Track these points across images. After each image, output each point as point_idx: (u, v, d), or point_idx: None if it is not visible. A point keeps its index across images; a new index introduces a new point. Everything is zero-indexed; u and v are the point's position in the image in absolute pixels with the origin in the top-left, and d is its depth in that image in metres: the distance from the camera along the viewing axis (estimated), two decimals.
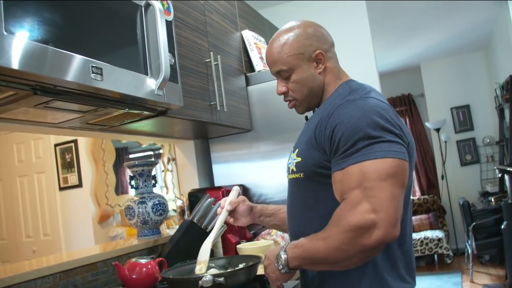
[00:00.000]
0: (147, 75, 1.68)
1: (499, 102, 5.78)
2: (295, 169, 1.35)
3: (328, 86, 1.41)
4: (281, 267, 1.27)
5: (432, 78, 7.29)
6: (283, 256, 1.26)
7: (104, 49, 1.51)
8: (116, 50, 1.57)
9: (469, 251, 5.39)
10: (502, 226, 4.36)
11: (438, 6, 4.82)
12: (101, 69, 1.44)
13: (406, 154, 1.21)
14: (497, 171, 5.08)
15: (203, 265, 1.58)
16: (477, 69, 7.07)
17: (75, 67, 1.35)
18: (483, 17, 5.31)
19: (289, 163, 1.40)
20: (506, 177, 4.31)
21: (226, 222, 1.66)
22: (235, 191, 1.68)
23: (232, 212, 1.64)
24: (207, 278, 1.31)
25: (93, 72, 1.40)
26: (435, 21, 5.33)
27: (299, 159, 1.34)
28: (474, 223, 5.12)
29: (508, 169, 4.29)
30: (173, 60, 1.83)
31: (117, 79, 1.51)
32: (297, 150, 1.36)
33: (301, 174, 1.34)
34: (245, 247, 2.23)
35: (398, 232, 1.14)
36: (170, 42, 1.82)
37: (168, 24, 1.83)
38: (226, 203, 1.63)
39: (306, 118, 1.52)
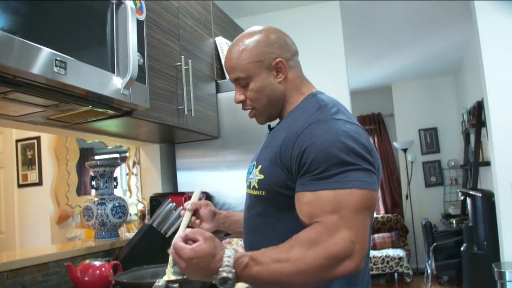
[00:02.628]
0: (114, 73, 1.64)
1: (465, 127, 5.91)
2: (256, 186, 1.27)
3: (290, 97, 1.34)
4: (229, 285, 1.07)
5: (402, 99, 7.42)
6: (231, 276, 1.06)
7: (71, 44, 1.47)
8: (83, 46, 1.54)
9: (429, 271, 5.46)
10: (462, 248, 4.43)
11: (413, 28, 4.92)
12: (65, 63, 1.40)
13: (377, 184, 1.19)
14: (460, 193, 5.18)
15: (169, 269, 1.55)
16: (446, 93, 7.22)
17: (37, 59, 1.30)
18: (455, 42, 5.44)
19: (251, 178, 1.31)
20: (468, 200, 4.39)
21: (192, 224, 1.62)
22: (196, 192, 1.62)
23: (196, 214, 1.58)
24: (159, 284, 1.28)
25: (56, 66, 1.36)
26: (409, 43, 5.43)
27: (261, 176, 1.26)
28: (435, 244, 5.19)
29: (471, 192, 4.37)
30: (142, 60, 1.80)
31: (81, 75, 1.47)
32: (260, 166, 1.28)
33: (263, 192, 1.26)
34: None
35: (363, 265, 1.11)
36: (140, 42, 1.79)
37: (140, 23, 1.80)
38: (188, 204, 1.57)
39: (269, 127, 1.45)
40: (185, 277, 1.50)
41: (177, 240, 1.20)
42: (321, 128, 1.17)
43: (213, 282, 1.08)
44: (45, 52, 1.33)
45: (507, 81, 3.49)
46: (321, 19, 4.07)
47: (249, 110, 1.38)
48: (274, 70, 1.32)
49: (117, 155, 4.92)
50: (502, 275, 3.23)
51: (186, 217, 1.55)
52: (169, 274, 1.46)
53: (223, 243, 2.45)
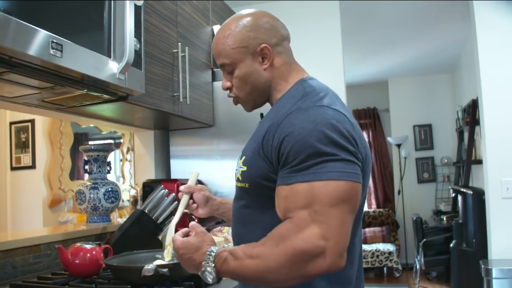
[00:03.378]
0: (110, 57, 1.64)
1: (459, 125, 5.93)
2: (240, 178, 1.23)
3: (277, 85, 1.28)
4: (209, 281, 1.13)
5: (398, 95, 7.43)
6: (210, 270, 1.12)
7: (67, 27, 1.46)
8: (80, 29, 1.53)
9: (418, 266, 5.50)
10: (451, 245, 4.47)
11: (411, 25, 4.92)
12: (61, 45, 1.40)
13: (359, 175, 1.10)
14: (451, 190, 5.22)
15: (170, 247, 1.54)
16: (442, 91, 7.24)
17: (34, 40, 1.30)
18: (452, 40, 5.45)
19: (236, 170, 1.27)
20: (459, 197, 4.42)
21: (189, 208, 1.62)
22: (193, 175, 1.62)
23: (192, 198, 1.59)
24: (149, 267, 1.29)
25: (52, 48, 1.36)
26: (406, 40, 5.43)
27: (244, 168, 1.21)
28: (424, 240, 5.23)
29: (462, 189, 4.40)
30: (138, 46, 1.80)
31: (77, 58, 1.47)
32: (243, 157, 1.23)
33: (246, 184, 1.21)
34: None
35: (344, 262, 1.04)
36: (138, 27, 1.79)
37: (137, 9, 1.80)
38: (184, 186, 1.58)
39: (262, 115, 1.40)
40: (175, 261, 1.52)
41: (172, 224, 1.36)
42: (300, 117, 1.11)
43: (205, 281, 1.12)
44: (42, 34, 1.33)
45: (502, 80, 3.50)
46: (320, 11, 4.06)
47: (233, 97, 1.35)
48: (259, 57, 1.25)
49: (111, 141, 4.91)
50: (488, 272, 3.26)
51: (184, 200, 1.57)
52: (169, 255, 1.48)
53: (213, 231, 2.47)
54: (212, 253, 1.12)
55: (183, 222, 2.43)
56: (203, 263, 1.12)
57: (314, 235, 1.01)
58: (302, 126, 1.08)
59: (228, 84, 1.32)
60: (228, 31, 1.27)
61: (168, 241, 1.58)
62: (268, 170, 1.15)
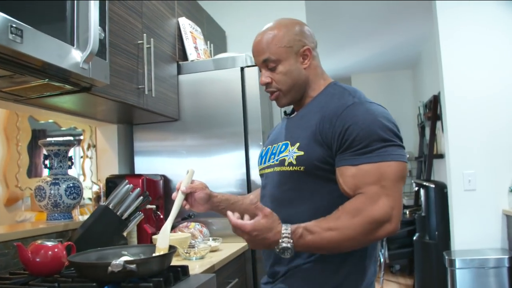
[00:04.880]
0: (73, 46, 1.56)
1: (421, 120, 6.04)
2: (295, 162, 1.38)
3: (312, 83, 1.49)
4: (286, 255, 1.25)
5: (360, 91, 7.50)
6: (289, 245, 1.24)
7: (27, 11, 1.38)
8: (41, 14, 1.45)
9: (382, 260, 5.58)
10: (414, 238, 4.54)
11: (373, 21, 4.97)
12: (21, 30, 1.32)
13: (406, 157, 1.34)
14: (414, 184, 5.31)
15: (163, 252, 1.52)
16: (404, 86, 7.36)
17: None
18: (414, 36, 5.54)
19: (285, 156, 1.41)
20: (422, 191, 4.50)
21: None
22: (190, 173, 1.63)
23: (188, 196, 1.60)
24: (116, 262, 1.23)
25: (11, 33, 1.28)
26: (369, 36, 5.49)
27: (301, 152, 1.37)
28: None
29: (424, 183, 4.48)
30: (103, 35, 1.73)
31: (39, 45, 1.39)
32: (297, 144, 1.39)
33: (302, 168, 1.37)
34: None
35: (400, 225, 1.28)
36: (102, 16, 1.72)
37: None
38: (181, 185, 1.58)
39: (285, 113, 1.60)
40: (143, 257, 1.46)
41: (167, 227, 1.54)
42: (360, 109, 1.33)
43: (276, 250, 1.25)
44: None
45: (464, 75, 3.57)
46: (286, 9, 4.03)
47: (272, 92, 1.49)
48: (301, 57, 1.45)
49: (71, 138, 4.76)
50: (452, 262, 3.33)
51: (179, 199, 1.57)
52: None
53: (180, 227, 2.42)
54: (287, 231, 1.25)
55: (149, 218, 2.37)
56: (280, 240, 1.25)
57: (386, 205, 1.23)
58: (364, 117, 1.31)
59: (268, 79, 1.47)
60: (274, 32, 1.45)
61: (163, 245, 1.53)
62: (325, 154, 1.34)
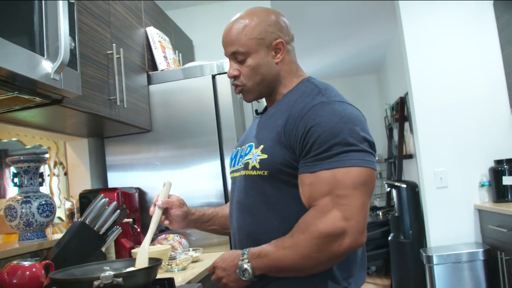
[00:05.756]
0: (43, 56, 1.51)
1: (388, 122, 6.14)
2: (258, 166, 1.28)
3: (284, 79, 1.37)
4: (246, 277, 1.22)
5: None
6: (247, 266, 1.21)
7: None
8: (9, 25, 1.39)
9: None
10: (389, 238, 4.59)
11: (338, 27, 5.05)
12: None
13: (375, 164, 1.23)
14: (386, 185, 5.38)
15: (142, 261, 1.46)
16: (369, 90, 7.48)
17: None
18: (378, 41, 5.64)
19: (249, 159, 1.31)
20: (394, 191, 4.55)
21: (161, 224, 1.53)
22: (166, 186, 1.54)
23: (165, 211, 1.52)
24: (106, 274, 1.19)
25: None
26: (334, 41, 5.57)
27: (264, 156, 1.27)
28: None
29: (396, 184, 4.54)
30: (73, 45, 1.68)
31: (6, 55, 1.33)
32: (261, 146, 1.29)
33: (265, 172, 1.27)
34: None
35: (365, 239, 1.16)
36: (71, 25, 1.66)
37: (71, 5, 1.68)
38: (158, 200, 1.50)
39: (257, 112, 1.49)
40: (130, 270, 1.42)
41: (145, 245, 1.45)
42: (325, 110, 1.21)
43: (242, 278, 1.22)
44: None
45: (430, 76, 3.65)
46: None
47: (237, 86, 1.38)
48: (273, 50, 1.34)
49: (40, 155, 4.62)
50: (430, 259, 3.37)
51: (156, 215, 1.49)
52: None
53: (158, 239, 2.37)
54: (245, 252, 1.22)
55: (126, 232, 2.31)
56: (239, 262, 1.22)
57: (335, 218, 1.12)
58: (328, 118, 1.19)
59: (236, 72, 1.36)
60: (245, 22, 1.34)
61: (142, 264, 1.46)
62: (289, 157, 1.23)
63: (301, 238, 1.15)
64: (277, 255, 1.18)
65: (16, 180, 2.14)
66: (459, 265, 3.33)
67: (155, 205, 1.50)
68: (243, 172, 1.34)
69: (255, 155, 1.29)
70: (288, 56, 1.38)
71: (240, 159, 1.38)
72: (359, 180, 1.14)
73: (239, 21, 1.36)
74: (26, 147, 4.59)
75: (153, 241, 2.39)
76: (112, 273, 1.23)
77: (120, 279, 1.27)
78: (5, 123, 2.01)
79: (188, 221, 1.54)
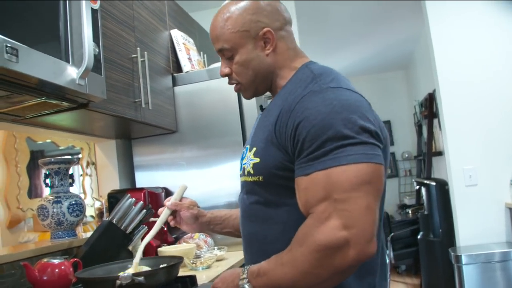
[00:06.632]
0: (69, 62, 1.57)
1: (417, 119, 6.06)
2: (252, 172, 1.15)
3: (280, 70, 1.22)
4: None
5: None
6: (247, 287, 1.07)
7: (21, 31, 1.39)
8: (35, 33, 1.46)
9: (387, 261, 5.56)
10: (418, 237, 4.54)
11: (364, 24, 5.01)
12: (16, 50, 1.32)
13: (381, 157, 1.03)
14: (415, 183, 5.33)
15: (134, 266, 1.47)
16: (398, 87, 7.40)
17: None
18: (405, 37, 5.58)
19: (245, 164, 1.20)
20: (423, 189, 4.50)
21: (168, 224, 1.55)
22: (180, 189, 1.51)
23: (175, 213, 1.51)
24: (125, 274, 1.23)
25: (7, 53, 1.29)
26: (361, 38, 5.53)
27: (257, 159, 1.14)
28: (392, 234, 5.30)
29: (425, 181, 4.48)
30: (97, 50, 1.74)
31: (34, 63, 1.40)
32: (254, 149, 1.16)
33: (260, 178, 1.14)
34: (166, 250, 2.16)
35: (375, 248, 0.98)
36: (95, 31, 1.72)
37: (94, 12, 1.73)
38: (170, 201, 1.49)
39: (261, 107, 1.34)
40: (150, 269, 1.46)
41: (146, 239, 1.38)
42: (314, 100, 1.04)
43: None
44: None
45: (457, 72, 3.60)
46: None
47: (234, 84, 1.28)
48: (261, 41, 1.19)
49: (70, 157, 4.76)
50: (458, 258, 3.33)
51: (164, 215, 1.49)
52: (135, 267, 1.42)
53: (184, 238, 2.42)
54: (245, 272, 1.09)
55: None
56: (239, 283, 1.08)
57: (335, 226, 0.95)
58: (318, 109, 1.02)
59: (227, 70, 1.25)
60: (228, 13, 1.20)
61: (135, 260, 1.49)
62: (283, 159, 1.09)
63: (299, 252, 0.99)
64: (276, 273, 1.03)
65: (47, 181, 2.23)
66: (490, 265, 3.27)
67: (165, 205, 1.49)
68: (242, 178, 1.24)
69: (249, 159, 1.17)
70: (282, 43, 1.21)
71: (241, 162, 1.26)
72: (360, 179, 0.97)
73: (221, 14, 1.22)
74: (60, 147, 4.74)
75: (178, 240, 2.45)
76: (131, 273, 1.27)
77: (141, 278, 1.31)
78: (37, 126, 2.09)
79: (200, 223, 1.50)
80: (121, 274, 1.24)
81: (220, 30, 1.21)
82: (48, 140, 4.52)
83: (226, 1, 1.24)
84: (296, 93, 1.11)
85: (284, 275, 1.01)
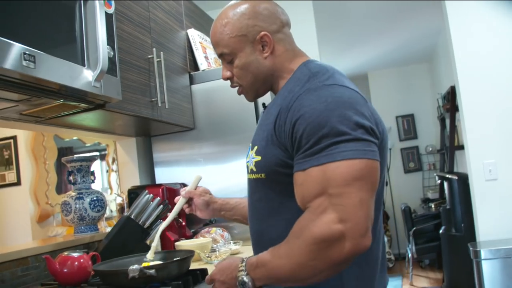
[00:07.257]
0: (84, 66, 1.65)
1: (440, 112, 6.00)
2: (255, 169, 1.20)
3: (280, 72, 1.26)
4: None
5: (378, 87, 7.50)
6: (246, 279, 1.11)
7: (38, 37, 1.47)
8: (52, 39, 1.55)
9: (410, 255, 5.55)
10: (441, 231, 4.52)
11: (384, 17, 4.98)
12: (34, 56, 1.40)
13: (376, 153, 1.06)
14: (437, 177, 5.28)
15: (152, 250, 1.59)
16: (421, 80, 7.32)
17: (5, 53, 1.31)
18: (428, 30, 5.52)
19: (248, 162, 1.24)
20: (445, 183, 4.47)
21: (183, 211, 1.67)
22: (195, 179, 1.66)
23: (189, 202, 1.64)
24: (134, 267, 1.30)
25: (25, 60, 1.37)
26: (382, 32, 5.48)
27: (258, 158, 1.18)
28: (414, 228, 5.28)
29: (447, 176, 4.45)
30: (112, 53, 1.81)
31: (51, 68, 1.48)
32: (256, 147, 1.20)
33: (262, 175, 1.18)
34: (183, 244, 2.23)
35: (370, 241, 1.01)
36: (110, 35, 1.80)
37: (108, 16, 1.81)
38: (185, 191, 1.63)
39: (264, 105, 1.37)
40: (161, 262, 1.53)
41: (162, 226, 1.50)
42: (310, 98, 1.08)
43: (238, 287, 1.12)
44: (13, 46, 1.34)
45: (477, 67, 3.56)
46: (292, 8, 4.09)
47: (236, 87, 1.33)
48: (259, 45, 1.24)
49: (97, 153, 4.91)
50: (477, 253, 3.31)
51: (179, 203, 1.62)
52: (153, 251, 1.51)
53: (202, 232, 2.49)
54: (244, 263, 1.13)
55: (171, 226, 2.44)
56: (238, 275, 1.12)
57: (330, 220, 0.99)
58: (313, 107, 1.06)
59: (228, 74, 1.31)
60: (226, 19, 1.25)
61: (154, 243, 1.60)
62: (284, 157, 1.12)
63: (296, 244, 1.03)
64: (273, 265, 1.07)
65: (70, 178, 2.33)
66: (510, 260, 3.24)
67: (180, 194, 1.63)
68: (248, 176, 1.28)
69: (251, 157, 1.21)
70: (280, 46, 1.25)
71: (246, 159, 1.30)
72: (353, 174, 1.00)
73: (220, 20, 1.27)
74: (86, 144, 4.88)
75: (196, 234, 2.52)
76: (139, 266, 1.34)
77: (152, 271, 1.39)
78: (59, 126, 2.18)
79: (212, 209, 1.61)
80: (130, 267, 1.31)
81: (219, 36, 1.26)
82: (75, 138, 4.68)
83: (225, 7, 1.30)
84: (294, 91, 1.15)
85: (282, 266, 1.05)
